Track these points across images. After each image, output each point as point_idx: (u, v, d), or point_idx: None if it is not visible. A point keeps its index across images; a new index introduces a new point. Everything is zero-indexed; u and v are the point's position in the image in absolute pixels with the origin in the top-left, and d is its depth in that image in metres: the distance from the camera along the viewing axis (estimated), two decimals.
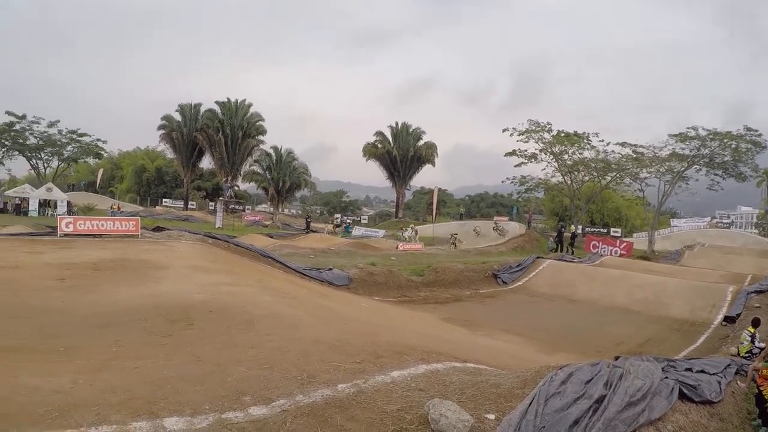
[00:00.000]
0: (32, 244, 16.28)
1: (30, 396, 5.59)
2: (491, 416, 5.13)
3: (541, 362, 8.74)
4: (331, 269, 19.65)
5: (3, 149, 75.26)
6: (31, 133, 73.67)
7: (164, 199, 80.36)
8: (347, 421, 5.05)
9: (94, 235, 18.17)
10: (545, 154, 53.73)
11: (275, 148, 72.56)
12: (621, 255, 37.19)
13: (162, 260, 14.72)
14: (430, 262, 24.82)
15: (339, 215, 67.68)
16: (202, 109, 75.63)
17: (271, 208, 76.45)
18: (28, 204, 50.33)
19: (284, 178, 68.93)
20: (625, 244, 40.66)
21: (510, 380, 5.90)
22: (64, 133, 75.03)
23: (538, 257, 26.65)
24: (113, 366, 6.65)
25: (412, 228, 48.59)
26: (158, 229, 22.75)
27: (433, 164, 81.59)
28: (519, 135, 52.99)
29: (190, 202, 77.26)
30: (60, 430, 4.87)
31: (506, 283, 23.52)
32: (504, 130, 53.88)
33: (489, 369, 6.91)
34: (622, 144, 49.74)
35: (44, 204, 51.37)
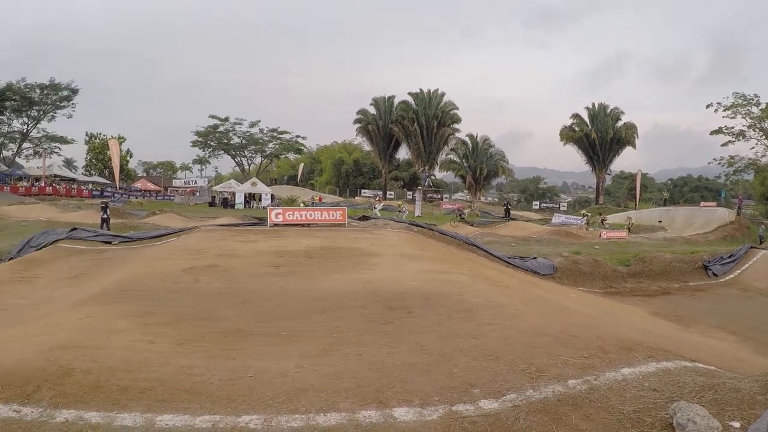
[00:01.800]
0: (244, 233, 17.45)
1: (257, 378, 5.85)
2: (736, 424, 4.53)
3: (760, 365, 8.09)
4: (535, 258, 19.12)
5: (209, 149, 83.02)
6: (234, 134, 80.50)
7: (363, 190, 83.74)
8: (582, 421, 4.76)
9: (302, 225, 19.02)
10: (754, 130, 48.78)
11: (471, 136, 72.85)
12: None
13: (371, 248, 15.03)
14: (635, 251, 23.34)
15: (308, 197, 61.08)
16: (396, 101, 77.76)
17: (469, 196, 76.62)
18: (235, 198, 55.01)
19: (481, 165, 68.82)
20: None
21: (749, 384, 5.18)
22: (265, 131, 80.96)
23: (751, 247, 23.96)
24: (336, 352, 6.83)
25: (399, 204, 45.83)
26: (363, 218, 23.45)
27: (634, 146, 77.48)
28: (724, 110, 48.72)
29: (388, 192, 79.50)
30: (289, 415, 4.99)
31: (717, 275, 21.41)
32: (708, 106, 49.82)
33: (722, 371, 6.15)
34: None
35: (249, 197, 55.44)
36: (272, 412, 5.03)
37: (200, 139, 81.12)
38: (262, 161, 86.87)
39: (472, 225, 42.30)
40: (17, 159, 72.61)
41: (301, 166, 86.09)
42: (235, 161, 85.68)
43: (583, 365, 6.00)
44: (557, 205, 79.11)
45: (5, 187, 49.52)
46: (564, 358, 6.22)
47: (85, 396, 5.30)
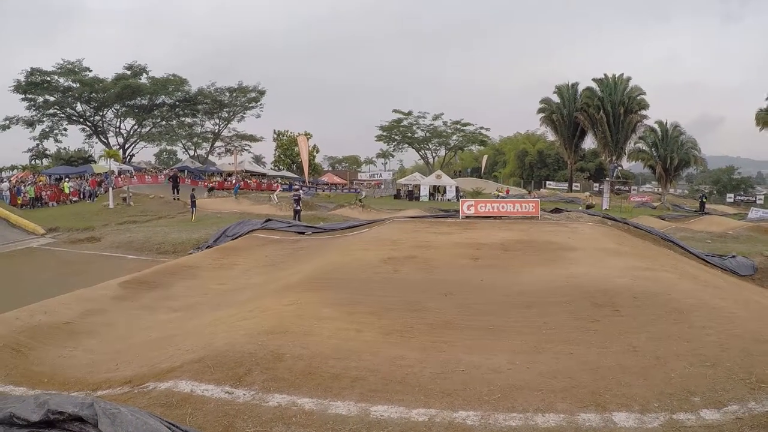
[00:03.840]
0: (437, 225, 17.73)
1: (469, 373, 5.79)
2: None
3: None
4: (734, 256, 17.57)
5: (394, 143, 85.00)
6: (418, 127, 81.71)
7: (547, 182, 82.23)
8: None
9: (494, 217, 18.88)
10: None
11: (660, 123, 68.69)
12: None
13: (568, 241, 14.67)
14: None
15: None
16: (580, 88, 75.40)
17: (658, 188, 72.91)
18: (419, 190, 55.50)
19: (671, 154, 64.75)
20: None
21: None
22: (448, 124, 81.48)
23: None
24: (547, 349, 6.66)
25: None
26: (556, 210, 22.94)
27: None
28: None
29: (573, 184, 77.46)
30: (506, 413, 4.91)
31: None
32: None
33: None
34: None
35: (434, 190, 56.04)
36: (489, 409, 4.96)
37: (384, 134, 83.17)
38: (446, 153, 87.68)
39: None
40: (210, 156, 78.36)
41: (485, 158, 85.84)
42: (419, 154, 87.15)
43: None
44: (753, 198, 73.16)
45: (200, 182, 53.12)
46: None
47: (297, 381, 5.50)
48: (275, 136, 79.54)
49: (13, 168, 61.82)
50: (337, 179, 74.92)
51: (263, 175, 68.65)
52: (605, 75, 74.04)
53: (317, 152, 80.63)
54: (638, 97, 72.07)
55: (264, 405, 5.03)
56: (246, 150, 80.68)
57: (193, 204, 29.98)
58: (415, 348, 6.59)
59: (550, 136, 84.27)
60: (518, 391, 5.27)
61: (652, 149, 68.25)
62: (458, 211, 19.94)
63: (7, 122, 60.69)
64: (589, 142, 79.47)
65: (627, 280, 10.12)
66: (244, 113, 74.55)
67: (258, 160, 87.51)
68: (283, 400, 5.12)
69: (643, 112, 72.13)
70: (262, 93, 72.92)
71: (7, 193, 35.45)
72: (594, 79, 74.77)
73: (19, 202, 34.85)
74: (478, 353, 6.40)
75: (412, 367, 5.86)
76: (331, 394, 5.22)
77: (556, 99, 77.60)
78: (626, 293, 9.16)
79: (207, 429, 4.64)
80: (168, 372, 5.93)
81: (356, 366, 5.86)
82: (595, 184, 76.52)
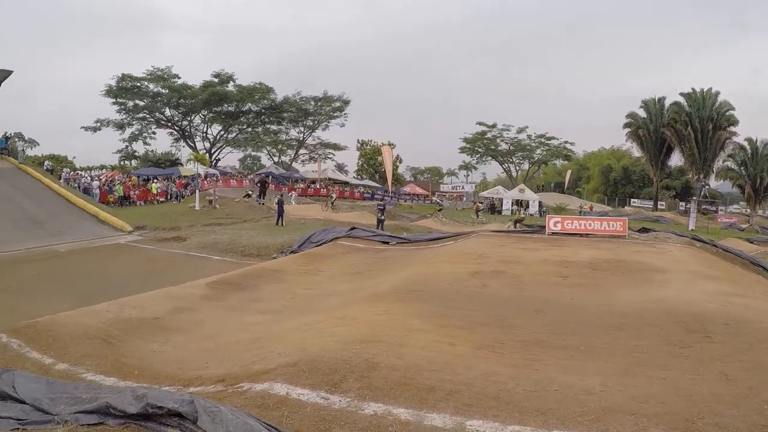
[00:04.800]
0: (523, 241, 17.65)
1: (563, 392, 5.78)
2: None
3: None
4: None
5: (477, 155, 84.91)
6: (502, 140, 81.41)
7: (632, 199, 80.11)
8: None
9: (581, 235, 18.67)
10: None
11: (749, 140, 65.80)
12: None
13: (657, 263, 14.36)
14: None
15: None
16: (667, 103, 73.10)
17: (746, 209, 70.09)
18: (502, 203, 55.01)
19: (762, 174, 61.97)
20: None
21: None
22: (533, 137, 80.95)
23: None
24: (638, 373, 6.57)
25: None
26: (643, 230, 22.41)
27: None
28: None
29: (659, 202, 75.42)
30: None
31: None
32: None
33: None
34: None
35: (516, 203, 55.55)
36: (583, 430, 4.96)
37: (468, 146, 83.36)
38: (529, 167, 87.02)
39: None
40: (294, 164, 79.83)
41: (569, 173, 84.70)
42: (502, 167, 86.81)
43: None
44: None
45: (284, 189, 53.98)
46: None
47: (392, 391, 5.62)
48: (359, 145, 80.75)
49: (102, 167, 64.48)
50: (419, 190, 75.34)
51: (346, 183, 69.61)
52: (693, 89, 71.56)
53: (400, 162, 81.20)
54: (727, 113, 69.24)
55: (360, 413, 5.15)
56: (329, 158, 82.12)
57: (281, 210, 30.28)
58: (508, 364, 6.63)
59: (636, 152, 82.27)
60: (612, 414, 5.24)
61: (741, 168, 65.56)
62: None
63: (98, 124, 64.14)
64: (676, 159, 77.00)
65: (718, 306, 9.90)
66: (329, 122, 75.75)
67: (341, 168, 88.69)
68: (378, 408, 5.24)
69: (732, 129, 69.54)
70: (346, 103, 73.90)
71: (97, 191, 37.00)
72: (681, 94, 72.23)
73: (109, 200, 36.24)
74: (570, 373, 6.40)
75: (506, 384, 5.89)
76: (427, 405, 5.30)
77: (642, 114, 75.75)
78: (718, 319, 8.96)
79: None
80: (262, 374, 6.15)
81: (450, 379, 5.93)
82: (681, 203, 74.35)
